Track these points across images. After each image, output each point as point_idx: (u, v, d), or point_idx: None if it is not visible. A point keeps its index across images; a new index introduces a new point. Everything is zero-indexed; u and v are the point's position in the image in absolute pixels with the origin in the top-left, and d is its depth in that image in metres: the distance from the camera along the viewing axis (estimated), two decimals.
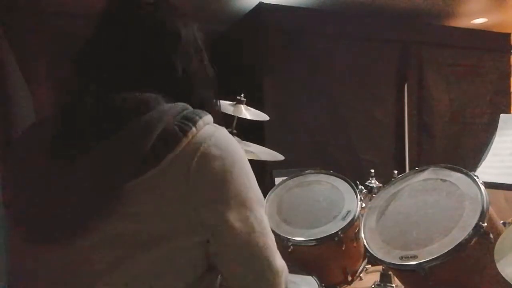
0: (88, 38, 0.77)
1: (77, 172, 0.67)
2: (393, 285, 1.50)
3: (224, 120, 0.79)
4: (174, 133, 0.67)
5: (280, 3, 2.65)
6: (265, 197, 1.57)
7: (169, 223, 0.67)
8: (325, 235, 1.36)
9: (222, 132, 0.73)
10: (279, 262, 0.77)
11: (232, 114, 1.59)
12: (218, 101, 0.84)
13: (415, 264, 1.07)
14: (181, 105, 0.72)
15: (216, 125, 0.75)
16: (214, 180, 0.69)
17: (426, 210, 1.20)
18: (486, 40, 3.34)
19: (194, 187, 0.67)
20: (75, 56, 0.77)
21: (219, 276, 0.79)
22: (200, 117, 0.70)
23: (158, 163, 0.65)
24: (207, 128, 0.71)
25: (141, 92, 0.71)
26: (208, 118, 0.73)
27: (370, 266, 1.55)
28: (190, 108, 0.73)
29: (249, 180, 0.74)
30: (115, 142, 0.66)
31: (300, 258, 1.39)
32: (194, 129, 0.68)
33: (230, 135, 0.75)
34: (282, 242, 1.43)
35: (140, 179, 0.65)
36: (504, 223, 1.21)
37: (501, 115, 1.66)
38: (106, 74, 0.73)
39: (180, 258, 0.69)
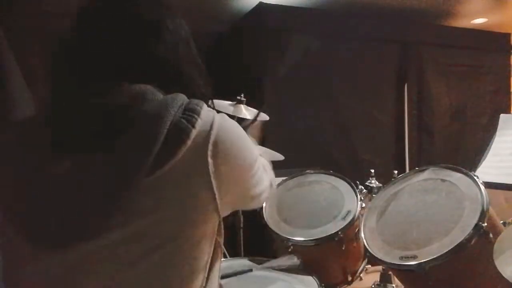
0: (72, 35, 0.77)
1: (89, 174, 0.66)
2: (393, 285, 1.50)
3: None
4: (184, 126, 0.68)
5: (280, 3, 2.65)
6: None
7: (189, 214, 0.68)
8: (325, 235, 1.36)
9: (221, 116, 0.76)
10: (266, 183, 0.86)
11: (232, 114, 1.59)
12: (208, 89, 0.85)
13: (415, 264, 1.07)
14: (179, 96, 0.73)
15: (211, 109, 0.76)
16: (232, 162, 0.72)
17: (426, 210, 1.20)
18: (486, 40, 3.34)
19: (214, 174, 0.69)
20: (62, 54, 0.77)
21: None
22: (201, 107, 0.72)
23: (173, 158, 0.66)
24: (208, 114, 0.73)
25: (133, 84, 0.71)
26: (205, 106, 0.74)
27: (370, 266, 1.56)
28: (187, 98, 0.74)
29: (251, 148, 0.79)
30: (125, 142, 0.66)
31: (300, 258, 1.39)
32: (199, 119, 0.70)
33: (226, 115, 0.78)
34: (282, 242, 1.44)
35: (155, 175, 0.65)
36: (504, 223, 1.21)
37: (501, 115, 1.66)
38: (96, 70, 0.73)
39: (194, 246, 0.71)
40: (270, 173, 0.94)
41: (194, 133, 0.68)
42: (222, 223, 0.77)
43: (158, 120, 0.66)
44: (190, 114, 0.69)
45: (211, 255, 0.76)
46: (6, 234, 0.72)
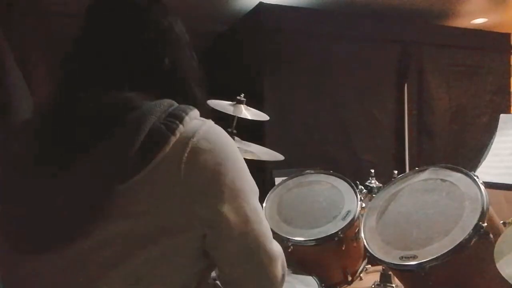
0: (74, 39, 0.77)
1: (68, 178, 0.67)
2: (393, 285, 1.50)
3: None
4: (162, 132, 0.67)
5: (280, 3, 2.65)
6: (265, 197, 1.57)
7: (165, 220, 0.67)
8: (325, 235, 1.36)
9: (210, 125, 0.73)
10: (275, 248, 0.78)
11: (232, 114, 1.59)
12: (204, 95, 0.84)
13: (415, 264, 1.07)
14: (166, 102, 0.72)
15: (203, 118, 0.75)
16: (206, 174, 0.69)
17: (426, 210, 1.20)
18: (486, 40, 3.34)
19: (187, 182, 0.67)
20: (62, 58, 0.77)
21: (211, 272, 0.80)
22: (186, 113, 0.71)
23: (148, 164, 0.66)
24: (194, 123, 0.71)
25: (127, 90, 0.71)
26: (195, 112, 0.73)
27: (370, 266, 1.56)
28: (176, 104, 0.73)
29: (241, 171, 0.74)
30: (104, 147, 0.66)
31: (300, 258, 1.39)
32: (181, 126, 0.68)
33: (219, 127, 0.75)
34: (282, 242, 1.43)
35: (131, 181, 0.65)
36: (504, 223, 1.21)
37: (501, 115, 1.65)
38: (92, 75, 0.73)
39: (178, 254, 0.70)
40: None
41: (173, 139, 0.67)
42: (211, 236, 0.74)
43: (136, 127, 0.66)
44: (172, 120, 0.68)
45: (204, 265, 0.75)
46: None
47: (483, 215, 1.07)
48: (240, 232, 0.72)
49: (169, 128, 0.67)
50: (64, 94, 0.74)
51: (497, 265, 0.88)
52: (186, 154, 0.67)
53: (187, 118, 0.70)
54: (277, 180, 2.11)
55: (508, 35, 3.42)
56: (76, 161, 0.67)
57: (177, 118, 0.69)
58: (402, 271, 1.18)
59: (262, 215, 0.77)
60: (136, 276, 0.67)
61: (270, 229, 0.78)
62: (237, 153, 0.75)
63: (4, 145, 0.78)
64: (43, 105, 0.76)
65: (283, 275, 0.80)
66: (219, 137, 0.73)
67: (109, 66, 0.74)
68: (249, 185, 0.75)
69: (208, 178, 0.69)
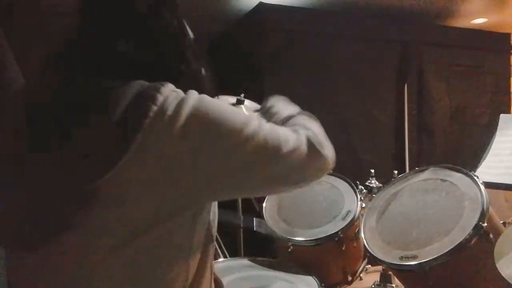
0: (65, 33, 0.77)
1: (54, 167, 0.66)
2: (393, 285, 1.50)
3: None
4: (138, 112, 0.64)
5: (280, 3, 2.65)
6: (265, 197, 1.57)
7: (159, 204, 0.66)
8: (325, 235, 1.36)
9: (190, 94, 0.69)
10: (292, 137, 0.77)
11: None
12: (214, 89, 0.82)
13: (415, 264, 1.07)
14: (137, 83, 0.68)
15: (178, 90, 0.70)
16: (196, 140, 0.66)
17: (426, 210, 1.20)
18: (486, 40, 3.34)
19: (176, 156, 0.65)
20: (51, 51, 0.77)
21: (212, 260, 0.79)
22: (158, 90, 0.66)
23: (129, 146, 0.63)
24: (172, 95, 0.67)
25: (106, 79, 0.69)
26: (168, 86, 0.69)
27: (370, 266, 1.56)
28: (146, 84, 0.69)
29: (229, 120, 0.69)
30: (83, 135, 0.65)
31: (300, 258, 1.39)
32: (157, 100, 0.65)
33: (195, 92, 0.71)
34: (282, 242, 1.44)
35: (117, 167, 0.63)
36: (504, 223, 1.21)
37: (501, 115, 1.66)
38: (84, 65, 0.72)
39: (177, 236, 0.69)
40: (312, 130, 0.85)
41: (151, 116, 0.63)
42: (210, 213, 0.76)
43: (110, 112, 0.64)
44: (146, 98, 0.65)
45: (199, 247, 0.74)
46: None
47: (483, 215, 1.07)
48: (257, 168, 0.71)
49: (145, 107, 0.64)
50: (53, 84, 0.73)
51: (497, 265, 0.88)
52: (171, 128, 0.64)
53: (161, 92, 0.66)
54: None
55: (508, 35, 3.42)
56: (59, 151, 0.66)
57: (151, 97, 0.65)
58: (402, 271, 1.18)
59: (265, 131, 0.72)
60: (133, 264, 0.66)
61: (281, 134, 0.75)
62: (213, 102, 0.70)
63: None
64: (27, 92, 0.74)
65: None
66: (199, 101, 0.68)
67: (102, 59, 0.72)
68: (236, 121, 0.70)
69: (199, 143, 0.66)
